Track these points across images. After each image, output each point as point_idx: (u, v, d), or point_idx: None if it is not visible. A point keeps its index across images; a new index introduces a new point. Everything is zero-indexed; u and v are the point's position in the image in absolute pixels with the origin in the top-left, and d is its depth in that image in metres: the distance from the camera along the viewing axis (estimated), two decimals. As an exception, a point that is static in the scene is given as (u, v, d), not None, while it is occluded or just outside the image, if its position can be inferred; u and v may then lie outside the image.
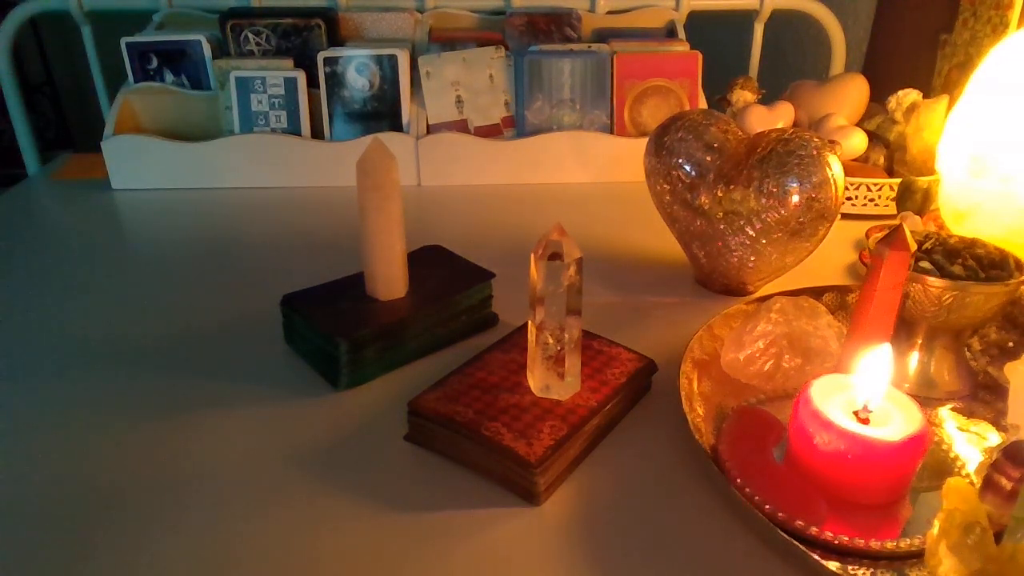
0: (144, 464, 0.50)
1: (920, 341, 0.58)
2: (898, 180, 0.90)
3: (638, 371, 0.56)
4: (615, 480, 0.49)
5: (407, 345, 0.61)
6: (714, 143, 0.69)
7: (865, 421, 0.45)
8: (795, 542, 0.41)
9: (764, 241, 0.66)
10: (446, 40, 1.07)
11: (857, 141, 0.95)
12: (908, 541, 0.42)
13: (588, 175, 1.06)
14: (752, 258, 0.68)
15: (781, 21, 1.26)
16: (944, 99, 0.93)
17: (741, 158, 0.67)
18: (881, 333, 0.51)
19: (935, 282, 0.54)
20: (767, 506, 0.44)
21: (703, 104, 1.07)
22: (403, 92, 1.03)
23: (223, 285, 0.76)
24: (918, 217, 0.86)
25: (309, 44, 1.05)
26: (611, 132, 1.06)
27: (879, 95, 1.05)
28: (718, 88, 1.12)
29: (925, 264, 0.57)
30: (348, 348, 0.57)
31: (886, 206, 0.91)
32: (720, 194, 0.67)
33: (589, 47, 1.05)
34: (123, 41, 1.03)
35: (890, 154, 0.98)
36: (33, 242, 0.87)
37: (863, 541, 0.42)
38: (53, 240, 0.87)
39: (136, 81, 1.04)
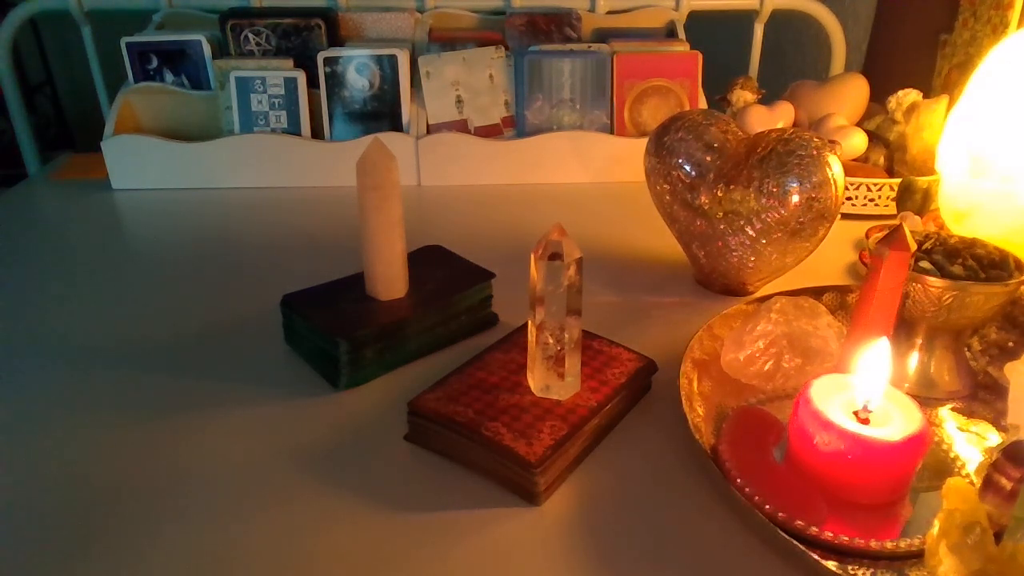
0: (144, 464, 0.50)
1: (920, 341, 0.58)
2: (898, 180, 0.90)
3: (638, 371, 0.56)
4: (615, 480, 0.49)
5: (407, 345, 0.61)
6: (714, 143, 0.69)
7: (865, 421, 0.45)
8: (795, 542, 0.41)
9: (764, 241, 0.66)
10: (446, 40, 1.07)
11: (857, 141, 0.95)
12: (908, 541, 0.42)
13: (588, 175, 1.06)
14: (752, 258, 0.68)
15: (781, 21, 1.26)
16: (944, 99, 0.93)
17: (741, 158, 0.67)
18: (881, 333, 0.51)
19: (935, 282, 0.54)
20: (767, 506, 0.44)
21: (703, 104, 1.07)
22: (403, 92, 1.03)
23: (223, 285, 0.76)
24: (918, 217, 0.86)
25: (309, 44, 1.05)
26: (611, 132, 1.05)
27: (879, 95, 1.05)
28: (718, 88, 1.12)
29: (925, 264, 0.56)
30: (348, 348, 0.57)
31: (886, 206, 0.91)
32: (720, 194, 0.67)
33: (589, 47, 1.05)
34: (123, 41, 1.03)
35: (890, 154, 0.98)
36: (33, 242, 0.87)
37: (863, 541, 0.42)
38: (53, 240, 0.87)
39: (136, 81, 1.04)
